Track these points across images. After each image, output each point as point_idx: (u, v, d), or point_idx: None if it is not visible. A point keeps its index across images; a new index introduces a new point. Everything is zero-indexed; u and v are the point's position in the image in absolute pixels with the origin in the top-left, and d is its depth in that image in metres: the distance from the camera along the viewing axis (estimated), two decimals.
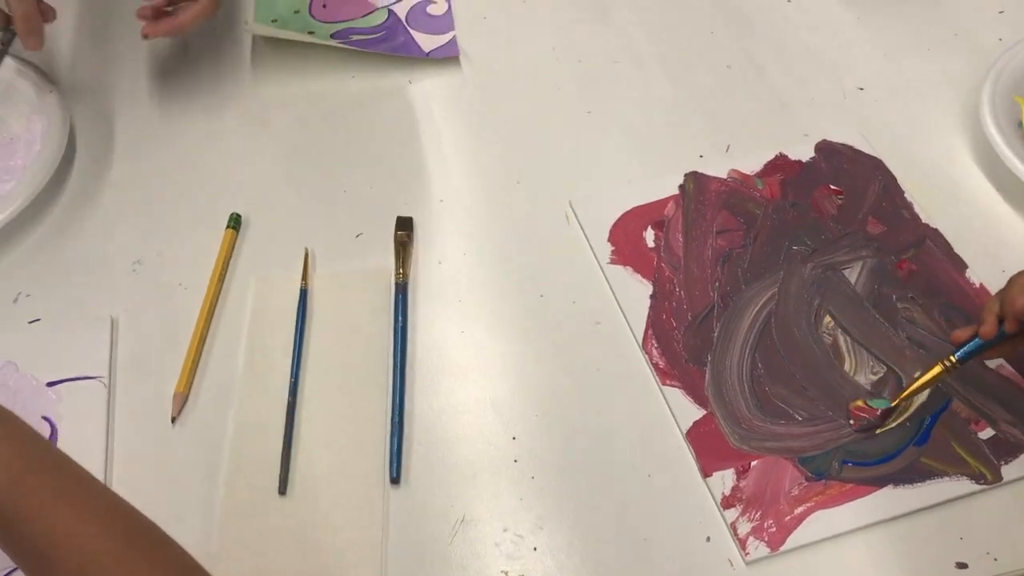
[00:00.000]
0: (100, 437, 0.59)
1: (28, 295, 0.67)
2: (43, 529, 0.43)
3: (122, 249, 0.70)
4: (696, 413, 0.60)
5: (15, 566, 0.52)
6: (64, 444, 0.58)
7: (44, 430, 0.60)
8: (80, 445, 0.55)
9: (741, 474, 0.57)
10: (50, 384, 0.62)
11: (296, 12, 0.87)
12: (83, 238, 0.71)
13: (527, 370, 0.63)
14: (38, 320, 0.66)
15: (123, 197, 0.74)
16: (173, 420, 0.60)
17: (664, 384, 0.61)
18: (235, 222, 0.70)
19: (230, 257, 0.69)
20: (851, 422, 0.59)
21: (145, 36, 0.76)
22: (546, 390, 0.62)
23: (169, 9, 0.77)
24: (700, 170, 0.73)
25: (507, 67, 0.83)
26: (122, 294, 0.67)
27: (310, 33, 0.83)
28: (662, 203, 0.71)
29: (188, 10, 0.77)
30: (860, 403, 0.60)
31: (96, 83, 0.82)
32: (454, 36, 0.85)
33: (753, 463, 0.57)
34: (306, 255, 0.68)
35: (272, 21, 0.85)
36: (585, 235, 0.69)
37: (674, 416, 0.60)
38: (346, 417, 0.60)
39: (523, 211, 0.72)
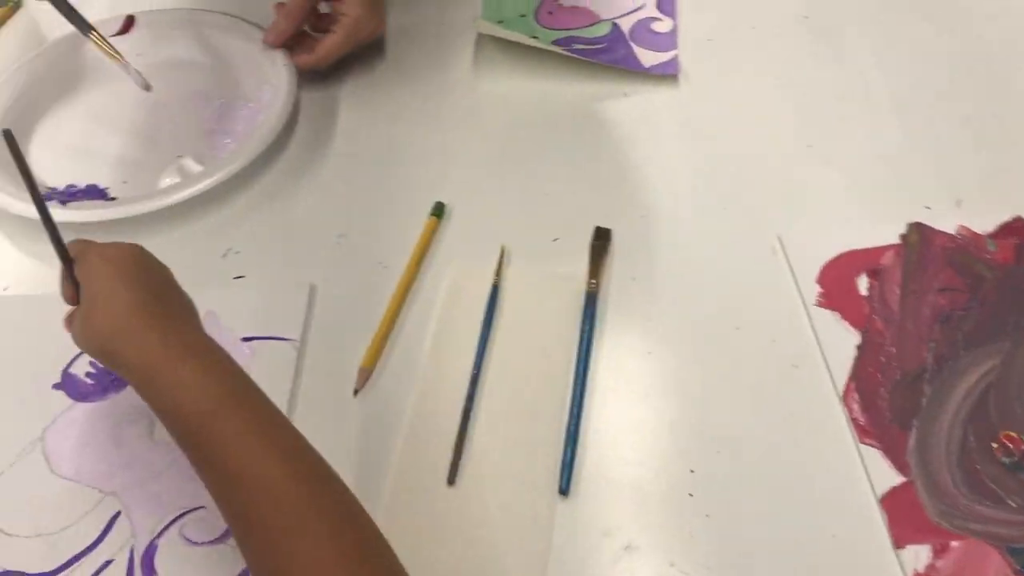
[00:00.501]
0: (284, 397, 0.60)
1: (237, 252, 0.70)
2: (230, 458, 0.45)
3: (329, 221, 0.72)
4: (894, 478, 0.55)
5: (178, 515, 0.54)
6: None
7: None
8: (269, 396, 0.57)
9: (938, 553, 0.52)
10: (245, 339, 0.64)
11: (522, 16, 0.88)
12: (294, 205, 0.74)
13: (713, 403, 0.60)
14: (242, 277, 0.68)
15: (336, 172, 0.76)
16: (355, 392, 0.61)
17: (862, 442, 0.57)
18: (439, 210, 0.71)
19: (430, 243, 0.69)
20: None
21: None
22: (731, 428, 0.58)
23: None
24: (925, 222, 0.68)
25: (727, 91, 0.81)
26: (324, 264, 0.69)
27: (534, 37, 0.84)
28: (880, 251, 0.66)
29: (323, 44, 0.81)
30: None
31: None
32: (676, 55, 0.83)
33: (953, 543, 0.52)
34: (502, 252, 0.68)
35: (498, 22, 0.86)
36: (792, 272, 0.66)
37: (869, 478, 0.55)
38: (522, 418, 0.59)
39: (727, 238, 0.69)
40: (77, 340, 0.53)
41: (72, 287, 0.53)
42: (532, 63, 0.83)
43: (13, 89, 0.80)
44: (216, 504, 0.46)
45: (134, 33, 0.85)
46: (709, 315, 0.64)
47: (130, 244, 0.53)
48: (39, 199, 0.53)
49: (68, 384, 0.62)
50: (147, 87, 0.77)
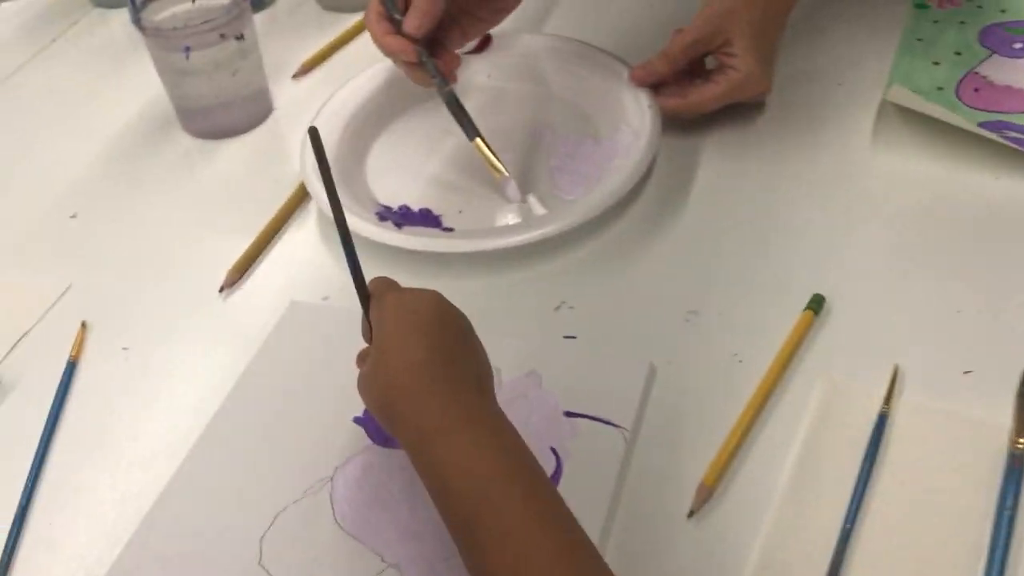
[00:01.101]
0: (606, 500, 0.50)
1: (571, 307, 0.61)
2: (495, 552, 0.38)
3: (679, 292, 0.61)
4: None
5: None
6: (567, 486, 0.50)
7: (548, 462, 0.52)
8: (584, 494, 0.46)
9: None
10: (568, 414, 0.55)
11: (939, 89, 0.73)
12: (640, 267, 0.64)
13: None
14: (573, 337, 0.59)
15: (692, 236, 0.65)
16: (690, 514, 0.49)
17: None
18: (817, 305, 0.58)
19: (800, 343, 0.57)
20: None
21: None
22: None
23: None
24: None
25: None
26: (667, 342, 0.58)
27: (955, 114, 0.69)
28: None
29: (700, 93, 0.71)
30: None
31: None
32: None
33: None
34: (895, 373, 0.54)
35: (911, 91, 0.72)
36: None
37: None
38: None
39: None
40: (359, 386, 0.47)
41: (369, 325, 0.48)
42: (947, 145, 0.68)
43: (359, 97, 0.77)
44: None
45: (488, 53, 0.80)
46: None
47: (431, 292, 0.47)
48: (341, 217, 0.48)
49: (369, 421, 0.55)
50: (521, 200, 0.69)
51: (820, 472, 0.50)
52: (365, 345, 0.50)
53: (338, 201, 0.48)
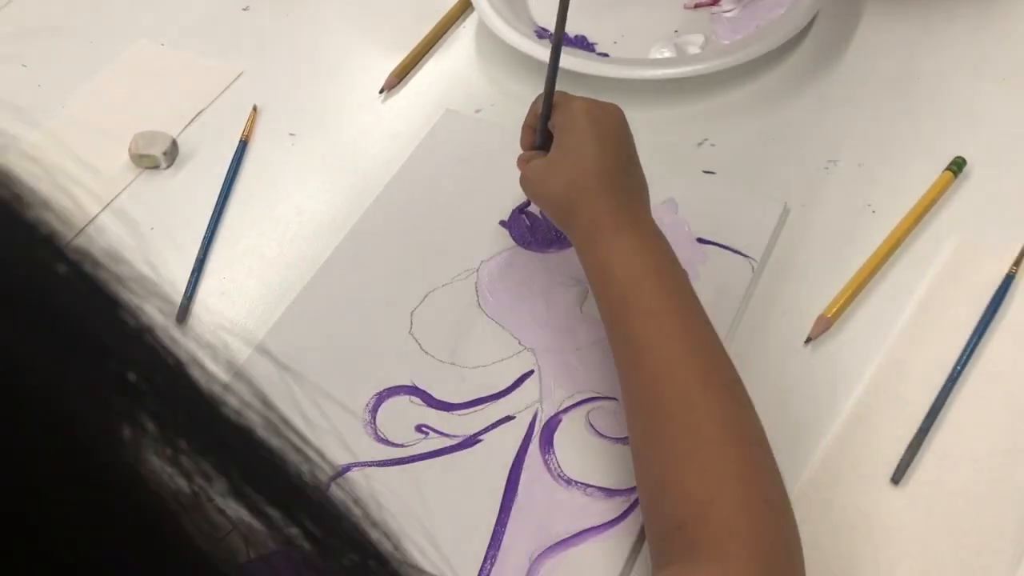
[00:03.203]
0: (728, 318, 0.54)
1: (713, 145, 0.63)
2: (639, 331, 0.44)
3: (821, 141, 0.63)
4: None
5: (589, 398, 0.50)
6: None
7: None
8: (707, 314, 0.50)
9: None
10: (700, 240, 0.58)
11: None
12: (787, 114, 0.65)
13: None
14: (712, 173, 0.62)
15: (843, 89, 0.66)
16: (807, 341, 0.53)
17: None
18: (958, 166, 0.59)
19: (936, 200, 0.58)
20: None
21: None
22: None
23: None
24: None
25: None
26: (804, 186, 0.60)
27: None
28: None
29: None
30: None
31: None
32: None
33: None
34: None
35: None
36: None
37: None
38: (1000, 440, 0.48)
39: None
40: (532, 184, 0.51)
41: (533, 133, 0.52)
42: None
43: None
44: (620, 381, 0.45)
45: None
46: None
47: (614, 106, 0.50)
48: (559, 39, 0.50)
49: (514, 225, 0.59)
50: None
51: (940, 318, 0.53)
52: (518, 154, 0.54)
53: (563, 24, 0.50)
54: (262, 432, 0.19)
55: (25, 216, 0.18)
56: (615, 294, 0.45)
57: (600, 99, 0.51)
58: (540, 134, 0.52)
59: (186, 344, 0.19)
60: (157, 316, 0.19)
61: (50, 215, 0.18)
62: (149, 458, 0.18)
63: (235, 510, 0.19)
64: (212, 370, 0.19)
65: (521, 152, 0.53)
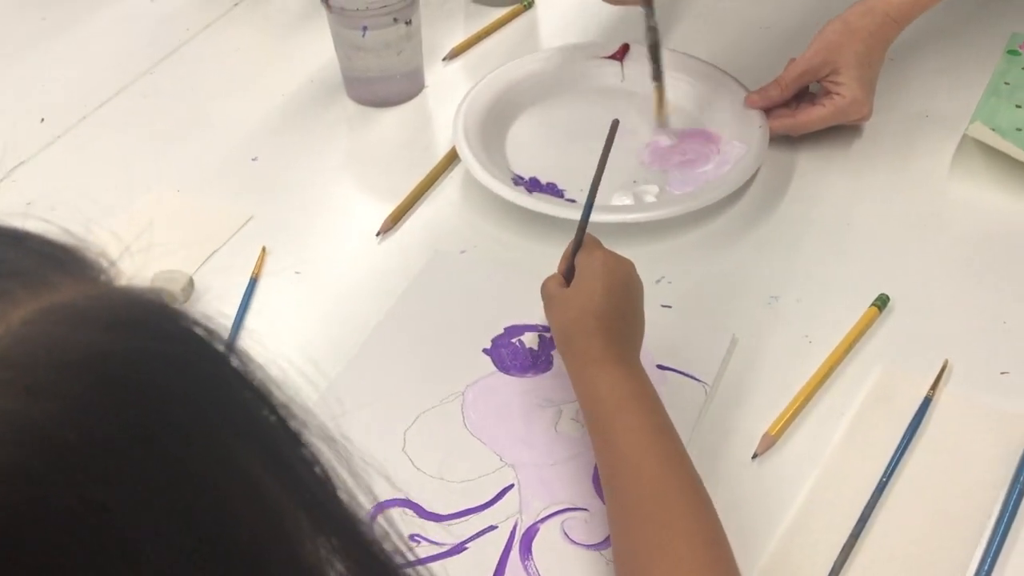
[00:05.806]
0: (685, 436, 0.60)
1: (669, 282, 0.72)
2: (620, 446, 0.53)
3: (765, 280, 0.72)
4: None
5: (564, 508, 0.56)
6: None
7: None
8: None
9: None
10: (660, 367, 0.66)
11: (1018, 130, 0.81)
12: (734, 255, 0.74)
13: None
14: (669, 307, 0.70)
15: (781, 234, 0.76)
16: (754, 456, 0.60)
17: None
18: (882, 303, 0.68)
19: (864, 333, 0.67)
20: None
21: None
22: None
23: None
24: None
25: None
26: (749, 319, 0.69)
27: None
28: None
29: (807, 114, 0.81)
30: None
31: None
32: None
33: None
34: (944, 366, 0.63)
35: (991, 130, 0.81)
36: None
37: None
38: (921, 548, 0.55)
39: None
40: (547, 306, 0.61)
41: (566, 265, 0.62)
42: (1018, 181, 0.77)
43: (507, 80, 0.88)
44: (603, 489, 0.54)
45: (626, 62, 0.90)
46: None
47: (628, 262, 0.61)
48: (595, 186, 0.62)
49: (496, 353, 0.67)
50: (671, 140, 0.83)
51: (867, 437, 0.61)
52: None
53: (604, 166, 0.63)
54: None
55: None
56: (601, 412, 0.55)
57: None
58: (567, 267, 0.61)
59: None
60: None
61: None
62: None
63: None
64: None
65: (546, 278, 0.62)
